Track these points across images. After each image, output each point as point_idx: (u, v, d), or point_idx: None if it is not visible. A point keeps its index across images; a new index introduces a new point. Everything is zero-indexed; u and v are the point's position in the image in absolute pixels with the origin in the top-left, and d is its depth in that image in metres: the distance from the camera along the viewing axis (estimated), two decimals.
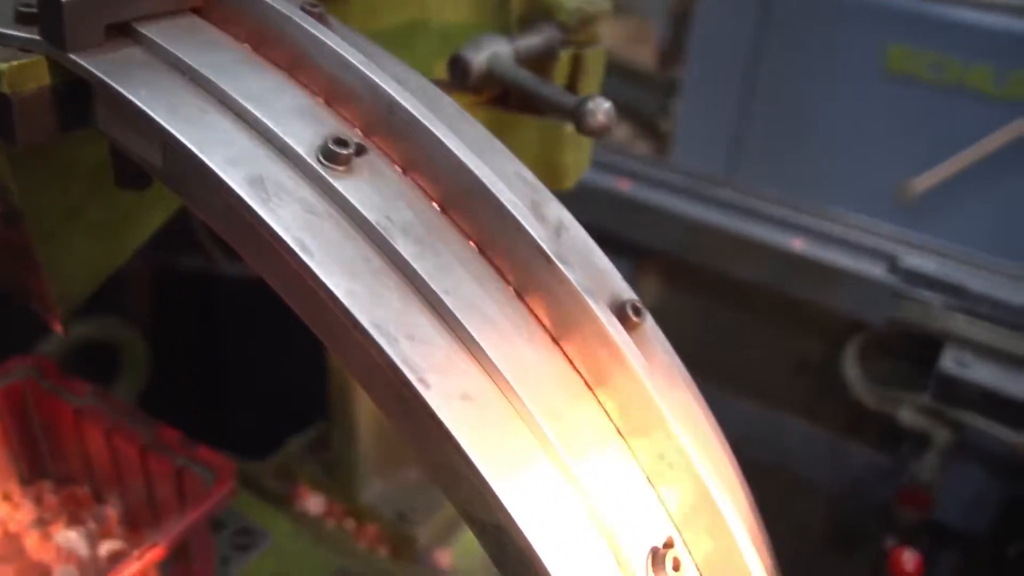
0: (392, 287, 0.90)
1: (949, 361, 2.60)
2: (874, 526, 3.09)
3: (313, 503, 2.40)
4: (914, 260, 2.73)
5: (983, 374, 2.57)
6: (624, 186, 3.06)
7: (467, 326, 0.89)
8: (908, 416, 2.78)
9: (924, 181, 3.84)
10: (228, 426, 2.50)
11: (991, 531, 2.92)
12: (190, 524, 1.56)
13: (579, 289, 0.95)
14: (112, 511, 1.91)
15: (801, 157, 4.32)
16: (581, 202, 2.78)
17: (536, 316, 0.97)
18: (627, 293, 1.02)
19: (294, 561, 2.02)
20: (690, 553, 0.96)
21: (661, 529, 0.94)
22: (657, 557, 0.91)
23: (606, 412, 0.97)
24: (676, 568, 0.91)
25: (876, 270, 2.75)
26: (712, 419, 1.07)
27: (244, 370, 2.67)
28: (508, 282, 0.97)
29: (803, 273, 2.83)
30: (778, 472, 3.37)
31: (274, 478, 2.49)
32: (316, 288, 0.84)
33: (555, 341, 0.97)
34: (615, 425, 0.97)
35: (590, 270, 1.03)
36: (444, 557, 2.30)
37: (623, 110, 3.25)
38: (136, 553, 1.50)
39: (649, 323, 1.03)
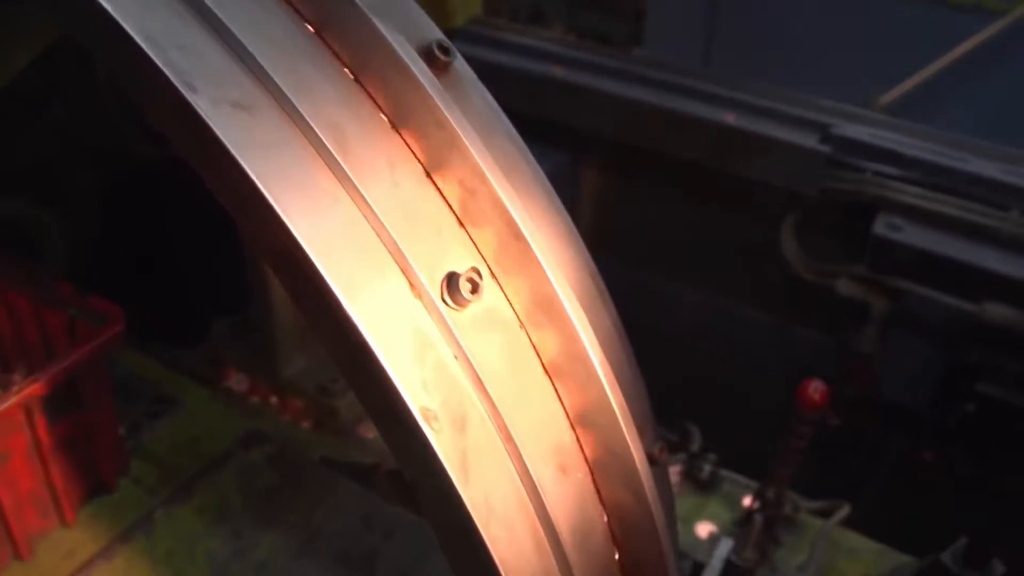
0: (170, 6, 0.87)
1: (882, 226, 2.57)
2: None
3: (238, 381, 2.39)
4: (847, 129, 2.69)
5: (917, 238, 2.55)
6: (559, 72, 3.01)
7: (245, 42, 0.86)
8: (845, 286, 2.76)
9: (894, 93, 3.82)
10: (159, 316, 2.47)
11: (932, 403, 2.91)
12: (73, 362, 1.54)
13: (379, 27, 0.91)
14: (17, 376, 1.88)
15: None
16: (518, 90, 2.74)
17: (335, 53, 0.94)
18: (434, 34, 0.98)
19: (206, 425, 2.01)
20: (500, 286, 0.94)
21: (463, 259, 0.92)
22: (453, 281, 0.89)
23: (409, 148, 0.94)
24: (474, 291, 0.89)
25: (809, 140, 2.71)
26: (538, 171, 1.04)
27: (174, 257, 2.65)
28: (306, 20, 0.94)
29: (738, 146, 2.79)
30: (730, 361, 3.36)
31: (203, 362, 2.47)
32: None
33: (356, 80, 0.94)
34: (419, 161, 0.94)
35: (397, 15, 0.99)
36: (368, 430, 2.29)
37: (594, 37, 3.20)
38: (15, 388, 1.47)
39: (462, 67, 1.00)
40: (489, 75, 1.02)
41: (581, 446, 1.01)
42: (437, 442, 0.84)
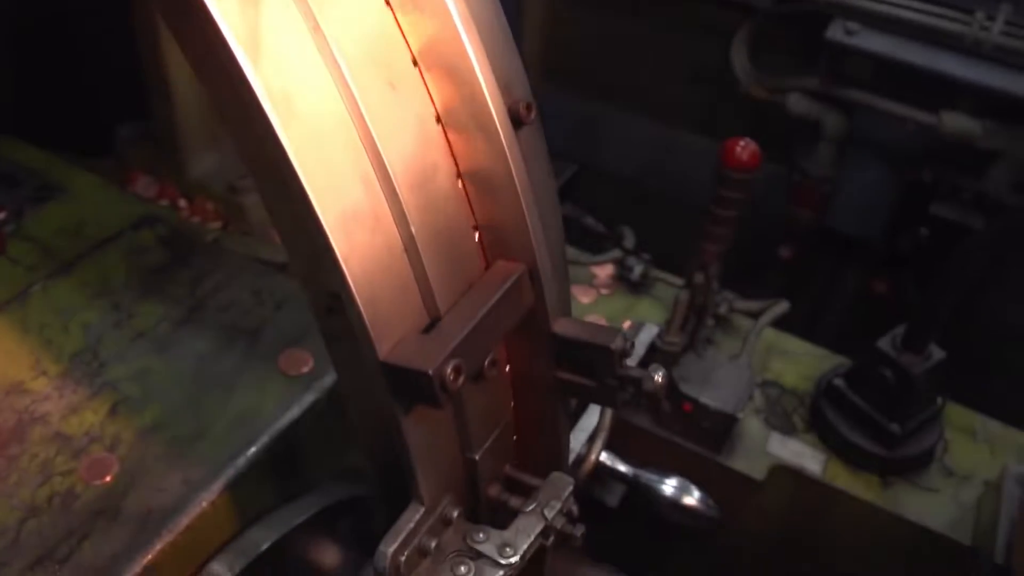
0: None
1: (837, 31, 2.41)
2: (773, 238, 2.96)
3: (145, 186, 2.23)
4: None
5: (873, 42, 2.39)
6: None
7: None
8: (797, 103, 2.61)
9: None
10: (62, 125, 2.30)
11: (884, 231, 2.79)
12: None
13: None
14: None
15: None
16: None
17: None
18: None
19: (95, 211, 1.85)
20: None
21: None
22: None
23: None
24: None
25: None
26: None
27: (74, 61, 2.46)
28: None
29: None
30: (682, 197, 3.21)
31: (109, 171, 2.31)
32: None
33: None
34: None
35: None
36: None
37: None
38: None
39: None
40: None
41: (424, 80, 0.86)
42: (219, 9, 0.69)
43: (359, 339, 0.84)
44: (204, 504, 1.30)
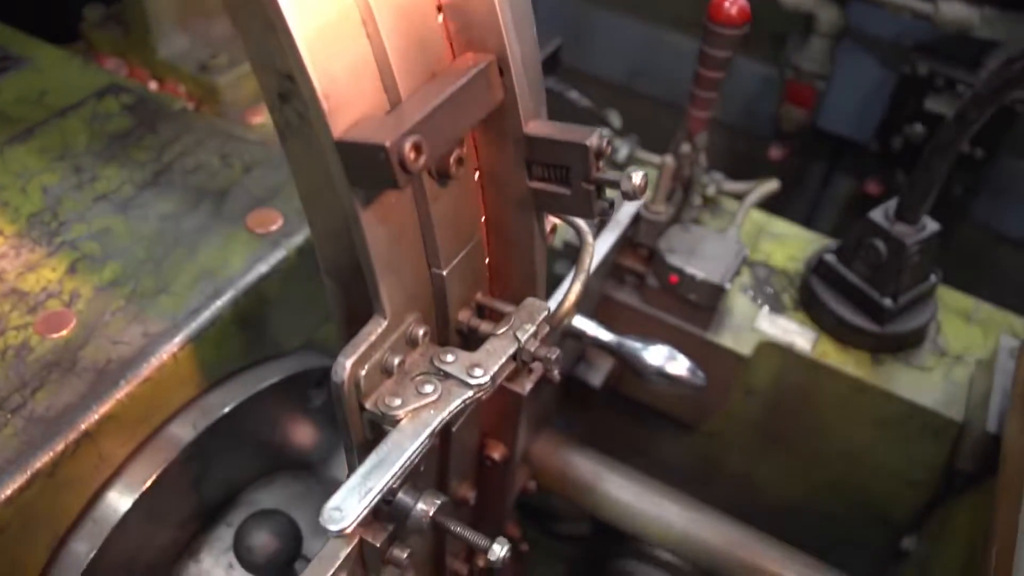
0: None
1: None
2: (763, 140, 2.89)
3: (112, 68, 2.14)
4: None
5: None
6: None
7: None
8: None
9: None
10: (28, 7, 2.20)
11: (878, 130, 2.72)
12: None
13: None
14: None
15: None
16: None
17: None
18: None
19: (58, 81, 1.77)
20: None
21: None
22: None
23: None
24: None
25: None
26: None
27: None
28: None
29: None
30: (671, 99, 3.14)
31: (78, 54, 2.21)
32: None
33: None
34: None
35: None
36: (254, 115, 2.06)
37: None
38: None
39: None
40: None
41: None
42: None
43: (314, 122, 0.78)
44: (165, 356, 1.25)
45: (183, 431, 1.29)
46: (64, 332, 1.26)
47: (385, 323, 0.89)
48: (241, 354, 1.38)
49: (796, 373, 1.72)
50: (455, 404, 0.90)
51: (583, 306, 1.50)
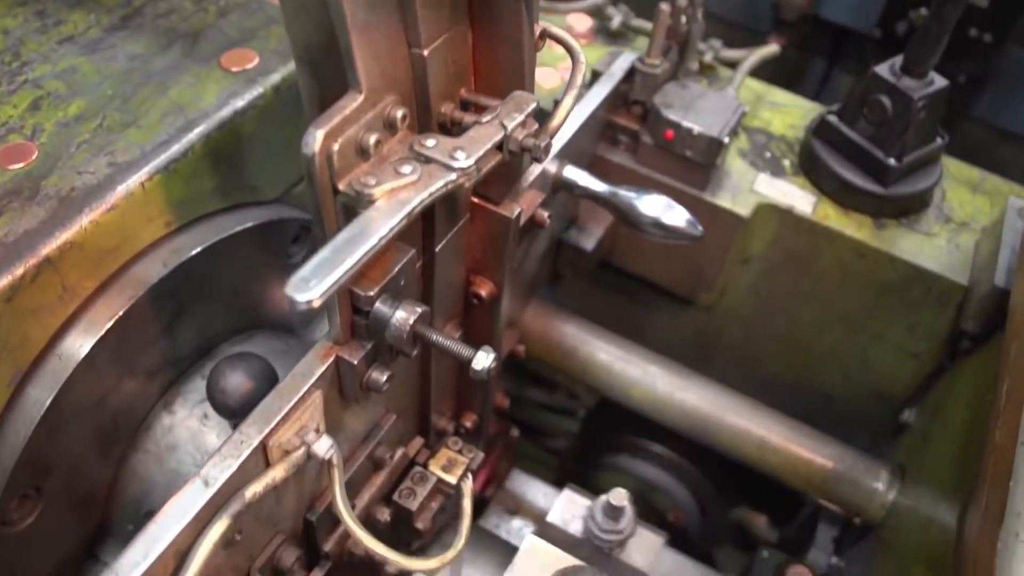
0: None
1: None
2: (762, 32, 2.80)
3: None
4: None
5: None
6: None
7: None
8: None
9: None
10: None
11: (880, 18, 2.63)
12: None
13: None
14: None
15: None
16: None
17: None
18: None
19: None
20: None
21: None
22: None
23: None
24: None
25: None
26: None
27: None
28: None
29: None
30: None
31: None
32: None
33: None
34: None
35: None
36: None
37: None
38: None
39: None
40: None
41: None
42: None
43: None
44: (132, 185, 1.18)
45: (152, 269, 1.22)
46: (25, 163, 1.19)
47: (360, 97, 0.82)
48: (215, 196, 1.32)
49: (795, 237, 1.65)
50: (436, 186, 0.83)
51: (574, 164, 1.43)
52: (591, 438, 2.30)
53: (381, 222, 0.79)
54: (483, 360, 0.94)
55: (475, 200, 1.14)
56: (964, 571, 1.08)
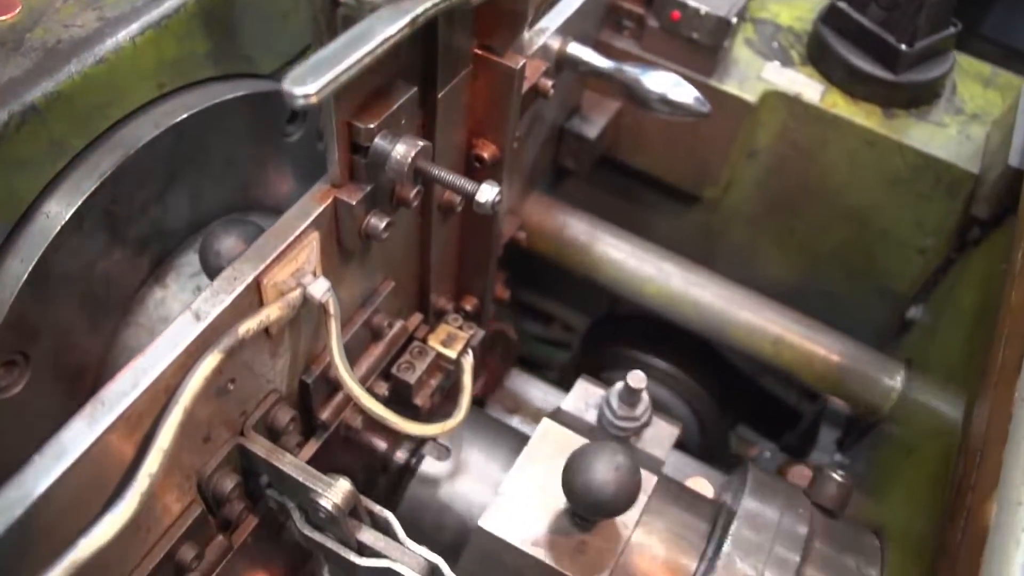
0: None
1: None
2: None
3: None
4: None
5: None
6: None
7: None
8: None
9: None
10: None
11: None
12: None
13: None
14: None
15: None
16: None
17: None
18: None
19: None
20: None
21: None
22: None
23: None
24: None
25: None
26: None
27: None
28: None
29: None
30: None
31: None
32: None
33: None
34: None
35: None
36: None
37: None
38: None
39: None
40: None
41: None
42: None
43: None
44: (122, 39, 1.13)
45: (143, 129, 1.18)
46: (8, 16, 1.14)
47: None
48: (208, 61, 1.27)
49: (803, 127, 1.62)
50: None
51: None
52: (589, 356, 2.27)
53: (383, 27, 0.75)
54: (487, 192, 0.91)
55: (478, 52, 1.10)
56: (972, 452, 1.05)
